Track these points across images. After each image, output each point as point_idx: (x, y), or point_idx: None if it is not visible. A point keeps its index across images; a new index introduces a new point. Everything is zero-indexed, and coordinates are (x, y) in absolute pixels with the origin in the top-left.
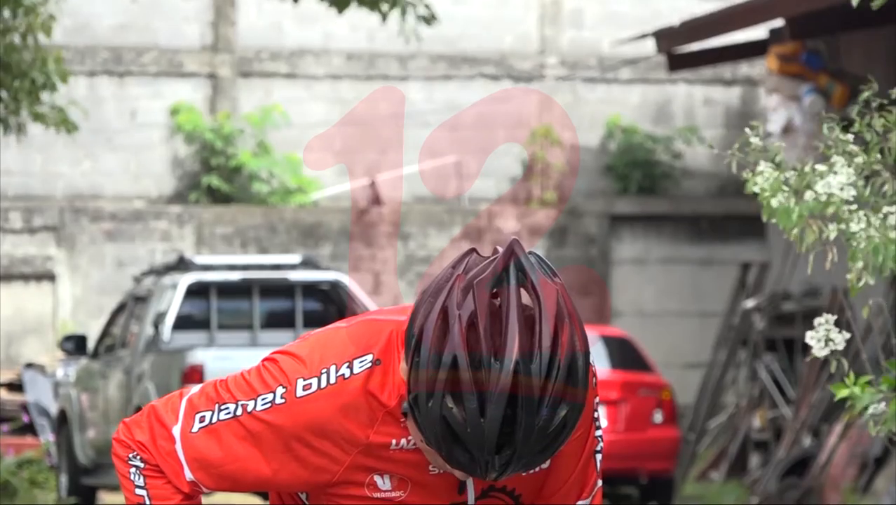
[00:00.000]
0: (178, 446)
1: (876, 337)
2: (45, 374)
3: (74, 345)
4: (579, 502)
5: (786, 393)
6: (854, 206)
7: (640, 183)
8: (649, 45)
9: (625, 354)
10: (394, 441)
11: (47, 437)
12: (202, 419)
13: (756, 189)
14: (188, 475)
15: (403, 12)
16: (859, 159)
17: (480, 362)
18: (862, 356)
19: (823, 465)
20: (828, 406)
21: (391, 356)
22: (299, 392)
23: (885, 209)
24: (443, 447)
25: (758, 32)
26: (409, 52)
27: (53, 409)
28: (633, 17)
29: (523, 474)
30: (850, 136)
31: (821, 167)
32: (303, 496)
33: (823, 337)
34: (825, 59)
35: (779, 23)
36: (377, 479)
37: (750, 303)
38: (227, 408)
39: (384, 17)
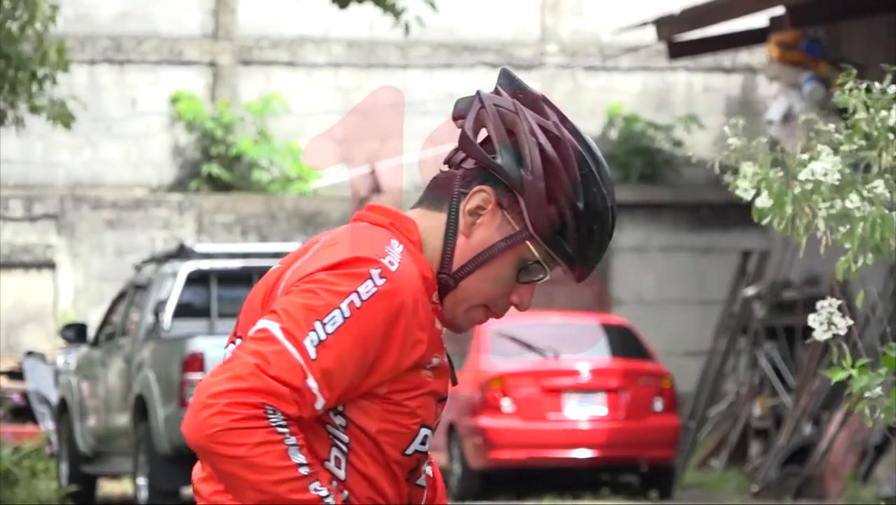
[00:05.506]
0: (311, 380)
1: (874, 325)
2: (46, 362)
3: (75, 333)
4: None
5: (786, 381)
6: (846, 189)
7: (640, 171)
8: (650, 33)
9: (625, 342)
10: (436, 320)
11: (48, 425)
12: (312, 341)
13: (743, 193)
14: (318, 404)
15: (397, 14)
16: (844, 147)
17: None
18: (859, 344)
19: (824, 453)
20: (828, 394)
21: (403, 241)
22: (391, 267)
23: (873, 182)
24: (582, 245)
25: (758, 20)
26: (409, 41)
27: (54, 397)
28: (633, 4)
29: None
30: (832, 126)
31: (804, 156)
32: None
33: (826, 320)
34: (826, 47)
35: (779, 11)
36: (434, 359)
37: (750, 291)
38: (331, 318)
39: (385, 8)
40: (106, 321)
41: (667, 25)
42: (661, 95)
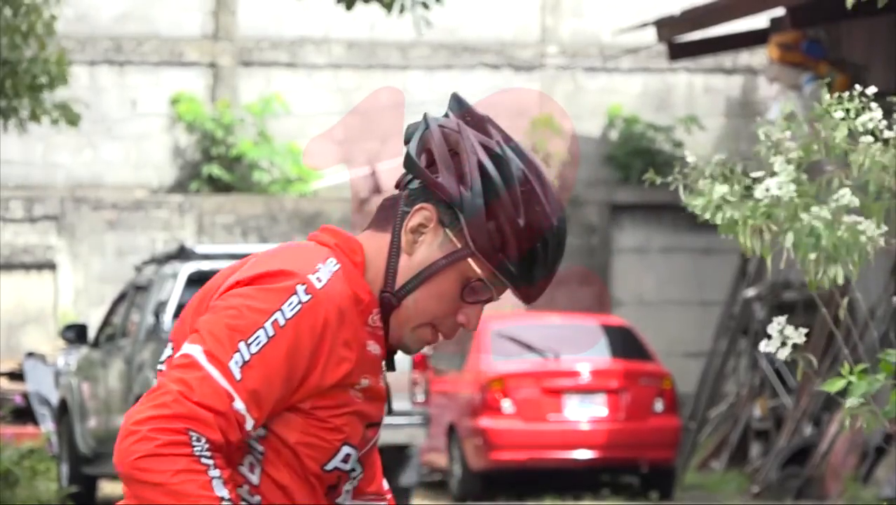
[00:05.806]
0: (238, 402)
1: (874, 329)
2: (46, 363)
3: (75, 334)
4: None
5: (786, 382)
6: (803, 198)
7: (640, 172)
8: (650, 34)
9: (625, 343)
10: (369, 342)
11: (48, 426)
12: (237, 363)
13: (702, 212)
14: (248, 424)
15: (402, 9)
16: (794, 154)
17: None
18: (842, 352)
19: (824, 454)
20: (828, 395)
21: (344, 261)
22: (317, 284)
23: (837, 194)
24: (525, 263)
25: (758, 21)
26: (409, 42)
27: (54, 398)
28: (633, 5)
29: None
30: (788, 133)
31: (758, 173)
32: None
33: (779, 339)
34: (826, 48)
35: (779, 11)
36: (363, 380)
37: (751, 292)
38: (255, 337)
39: (389, 8)
40: (106, 322)
41: (667, 26)
42: (661, 96)
